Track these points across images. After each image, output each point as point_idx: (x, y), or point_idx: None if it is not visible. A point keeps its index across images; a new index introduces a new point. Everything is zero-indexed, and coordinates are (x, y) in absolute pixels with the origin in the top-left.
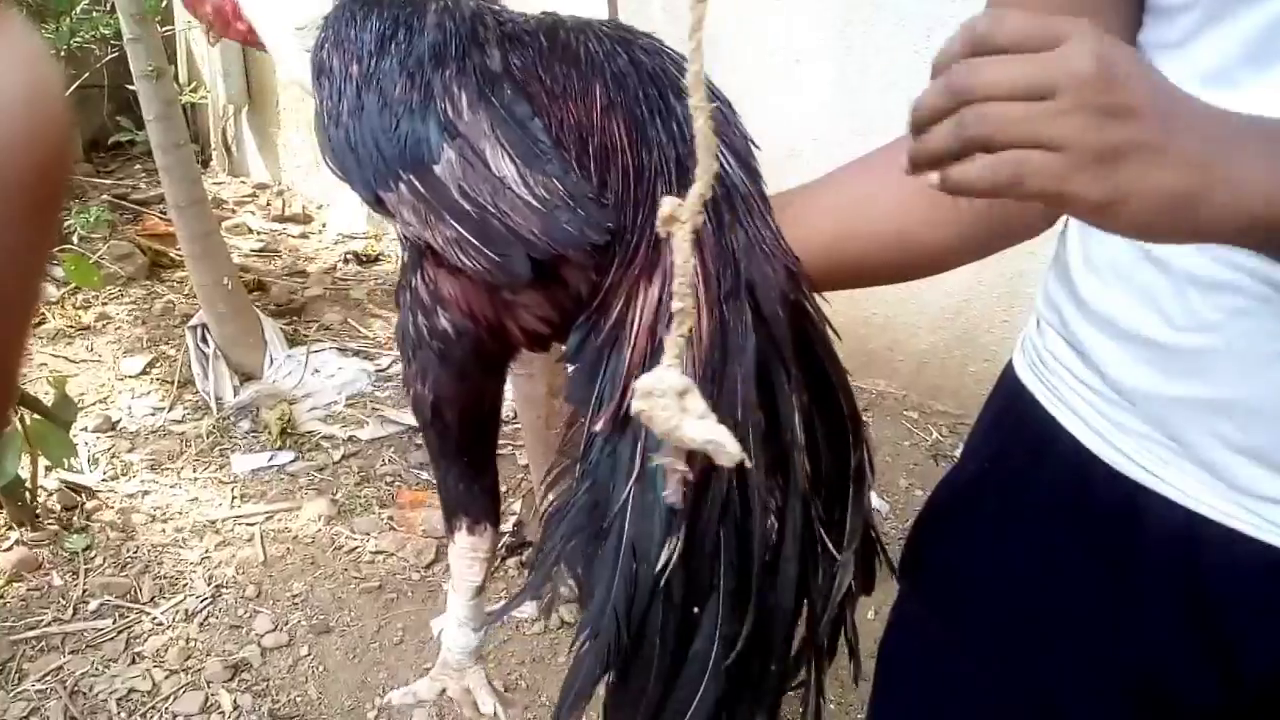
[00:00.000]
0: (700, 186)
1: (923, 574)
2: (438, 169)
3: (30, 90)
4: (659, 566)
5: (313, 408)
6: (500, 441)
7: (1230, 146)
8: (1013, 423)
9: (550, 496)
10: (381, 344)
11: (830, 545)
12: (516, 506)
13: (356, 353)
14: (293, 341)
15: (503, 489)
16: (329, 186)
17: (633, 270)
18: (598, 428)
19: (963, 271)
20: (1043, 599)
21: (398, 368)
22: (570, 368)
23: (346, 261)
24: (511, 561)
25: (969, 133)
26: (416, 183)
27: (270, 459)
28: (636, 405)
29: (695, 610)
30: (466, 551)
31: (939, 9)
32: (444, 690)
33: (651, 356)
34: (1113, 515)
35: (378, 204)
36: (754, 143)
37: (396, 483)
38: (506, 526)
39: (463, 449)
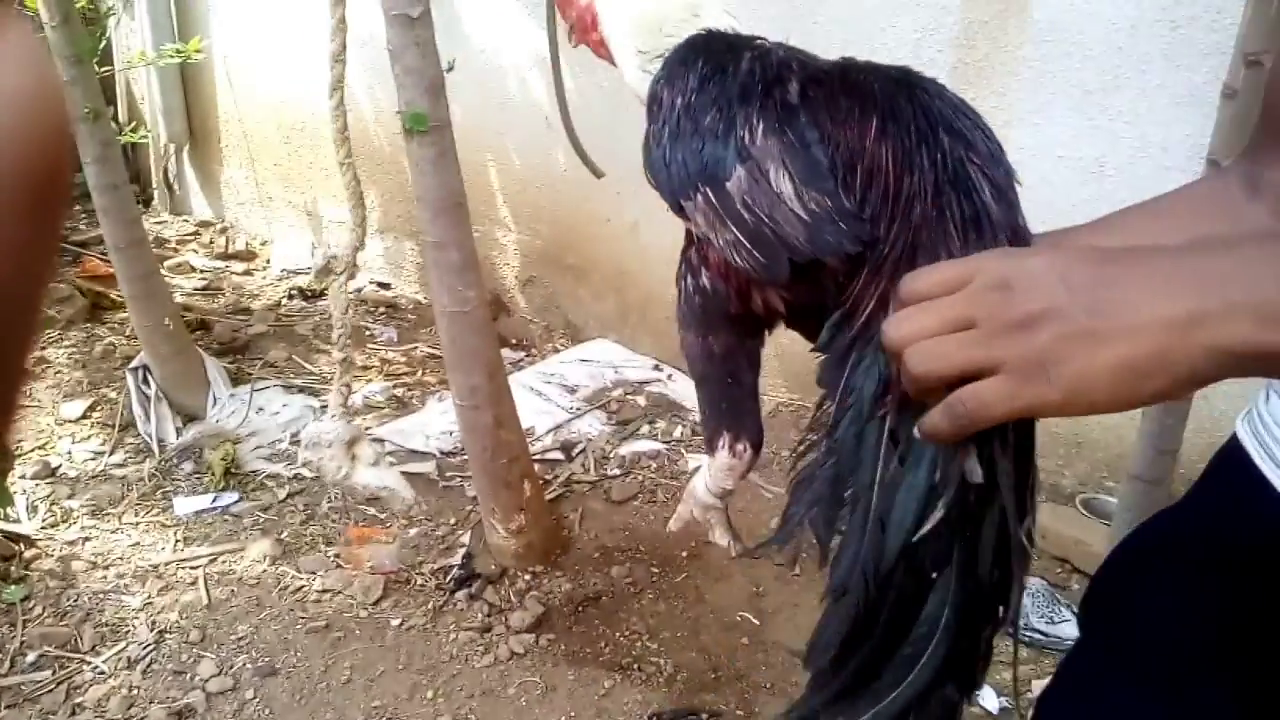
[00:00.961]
0: (353, 239)
1: (1107, 622)
2: (729, 184)
3: (33, 87)
4: (917, 535)
5: (257, 446)
6: (449, 473)
7: (1188, 288)
8: (1225, 480)
9: (798, 465)
10: (327, 379)
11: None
12: (465, 538)
13: (302, 389)
14: (236, 380)
15: (450, 521)
16: (273, 222)
17: (882, 276)
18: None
19: None
20: (1230, 658)
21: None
22: (822, 356)
23: (291, 297)
24: (461, 594)
25: (914, 371)
26: (710, 194)
27: (214, 500)
28: (304, 455)
29: (935, 575)
30: (724, 468)
31: (870, 38)
32: (692, 512)
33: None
34: None
35: (679, 210)
36: (1017, 179)
37: (342, 519)
38: (455, 559)
39: (726, 373)
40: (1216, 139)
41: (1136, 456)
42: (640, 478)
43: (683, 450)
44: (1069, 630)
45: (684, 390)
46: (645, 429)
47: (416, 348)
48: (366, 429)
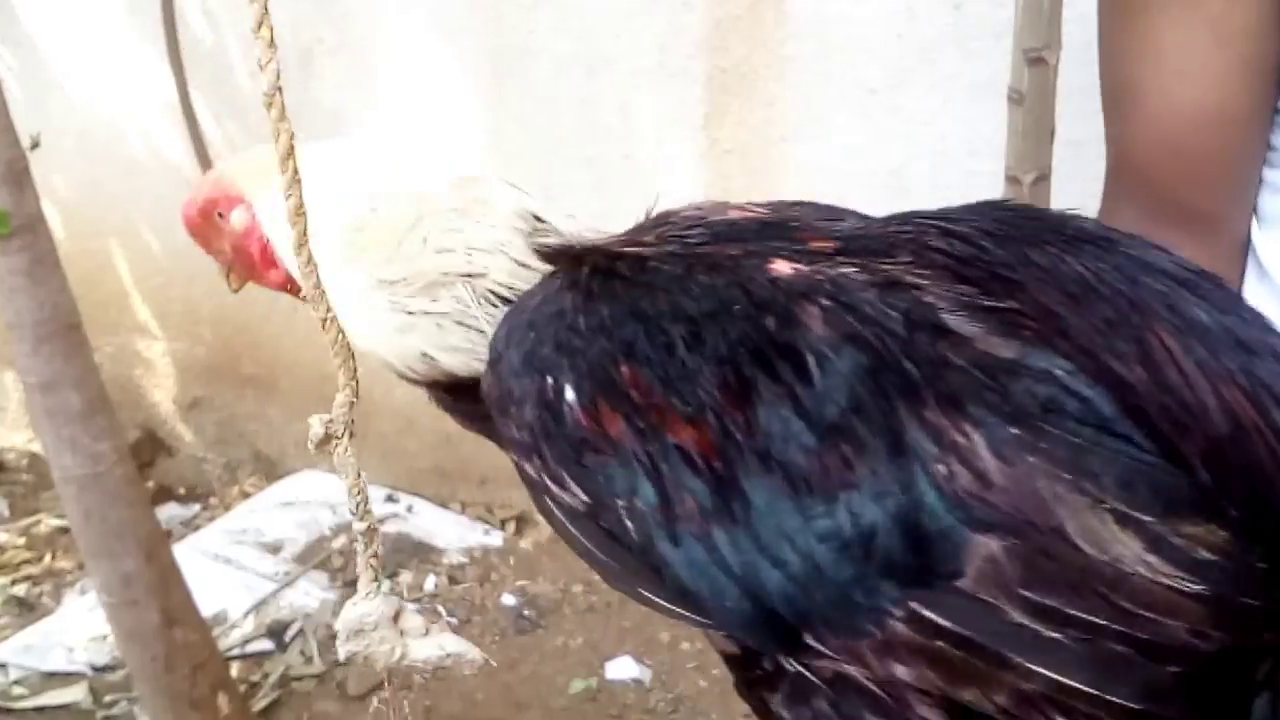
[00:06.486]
0: (345, 396)
1: None
2: (964, 580)
3: None
4: None
5: None
6: (110, 696)
7: None
8: None
9: None
10: None
11: None
12: None
13: None
14: None
15: None
16: None
17: None
18: None
19: None
20: None
21: None
22: None
23: None
24: None
25: None
26: (921, 608)
27: None
28: (347, 649)
29: None
30: None
31: (600, 48)
32: None
33: None
34: None
35: (801, 651)
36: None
37: None
38: None
39: None
40: (1010, 154)
41: None
42: None
43: (439, 608)
44: None
45: (431, 524)
46: (385, 587)
47: (39, 521)
48: None
